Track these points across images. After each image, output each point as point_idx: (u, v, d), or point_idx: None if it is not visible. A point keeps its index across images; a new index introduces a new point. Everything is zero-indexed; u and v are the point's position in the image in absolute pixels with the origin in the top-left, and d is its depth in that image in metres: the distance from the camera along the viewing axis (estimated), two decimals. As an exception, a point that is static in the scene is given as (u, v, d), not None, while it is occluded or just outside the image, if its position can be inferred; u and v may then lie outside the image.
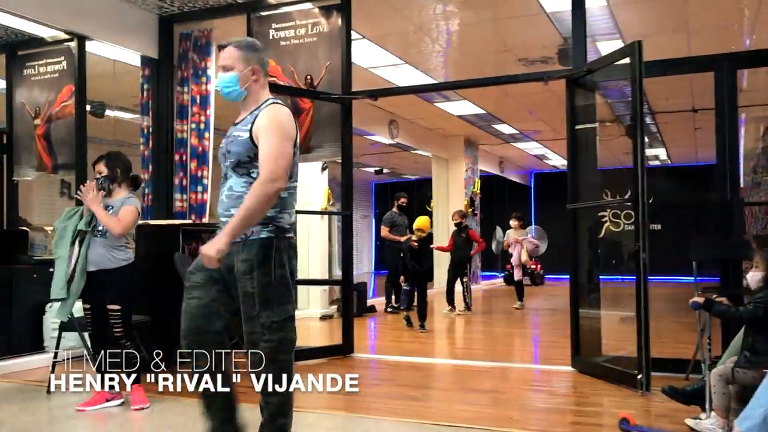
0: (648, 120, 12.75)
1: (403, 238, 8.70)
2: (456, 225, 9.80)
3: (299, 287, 9.39)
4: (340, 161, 6.29)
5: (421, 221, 8.50)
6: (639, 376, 4.40)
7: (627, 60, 4.65)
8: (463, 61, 8.71)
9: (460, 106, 11.45)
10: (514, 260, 11.24)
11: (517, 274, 11.08)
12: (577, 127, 5.44)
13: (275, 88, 6.22)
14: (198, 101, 7.00)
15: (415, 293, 8.30)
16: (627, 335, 7.13)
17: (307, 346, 6.27)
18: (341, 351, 6.07)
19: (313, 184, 9.31)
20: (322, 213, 9.13)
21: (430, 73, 9.20)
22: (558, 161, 18.35)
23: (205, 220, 6.93)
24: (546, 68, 8.70)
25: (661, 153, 16.70)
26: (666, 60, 5.21)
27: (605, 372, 4.92)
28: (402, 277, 8.64)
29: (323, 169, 9.35)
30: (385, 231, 9.45)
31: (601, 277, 5.72)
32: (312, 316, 9.16)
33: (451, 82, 9.20)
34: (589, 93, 5.46)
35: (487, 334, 7.93)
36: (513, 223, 11.68)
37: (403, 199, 10.02)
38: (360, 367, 5.69)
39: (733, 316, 3.21)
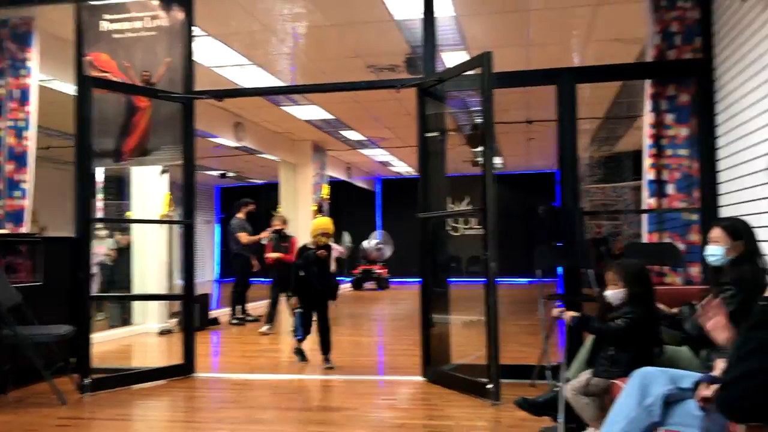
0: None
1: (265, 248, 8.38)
2: (275, 232, 8.50)
3: (135, 302, 8.78)
4: (181, 165, 5.86)
5: (323, 223, 6.44)
6: (489, 386, 4.42)
7: (477, 70, 4.68)
8: (311, 64, 8.52)
9: (308, 111, 11.25)
10: None
11: None
12: (427, 135, 5.42)
13: (108, 85, 5.70)
14: (16, 96, 6.25)
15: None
16: (474, 339, 7.34)
17: (143, 367, 5.77)
18: (181, 371, 5.63)
19: (152, 188, 8.70)
20: (160, 222, 8.54)
21: (277, 76, 8.91)
22: (402, 168, 18.70)
23: (24, 229, 6.19)
24: (394, 76, 8.73)
25: (497, 161, 17.48)
26: (513, 72, 5.32)
27: (456, 382, 4.92)
28: (293, 300, 6.26)
29: (163, 172, 8.76)
30: (246, 237, 9.16)
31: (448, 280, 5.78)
32: (150, 331, 8.54)
33: (303, 85, 8.93)
34: (438, 102, 5.45)
35: (335, 344, 7.75)
36: None
37: (251, 206, 9.69)
38: (202, 389, 5.31)
39: (606, 332, 3.25)
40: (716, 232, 3.26)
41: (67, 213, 11.90)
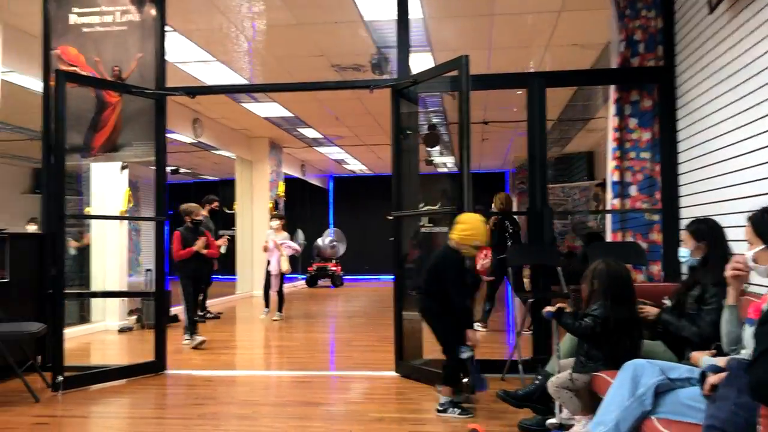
0: (443, 130, 13.50)
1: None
2: (193, 223, 7.51)
3: (93, 300, 8.64)
4: (151, 161, 5.84)
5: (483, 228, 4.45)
6: (465, 380, 4.56)
7: (454, 72, 4.82)
8: (274, 62, 8.53)
9: (268, 108, 11.23)
10: (272, 269, 9.41)
11: (275, 285, 9.45)
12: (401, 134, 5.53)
13: (83, 80, 5.62)
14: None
15: None
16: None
17: (114, 365, 5.72)
18: (153, 368, 5.61)
19: (111, 184, 8.57)
20: (131, 219, 8.43)
21: (240, 73, 8.88)
22: (356, 166, 18.80)
23: (-13, 225, 6.05)
24: (358, 76, 8.82)
25: (450, 161, 17.74)
26: (487, 75, 5.49)
27: (430, 376, 5.04)
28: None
29: (123, 168, 8.64)
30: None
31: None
32: (109, 328, 8.42)
33: (274, 84, 8.75)
34: (412, 103, 5.57)
35: (302, 340, 7.82)
36: (273, 224, 9.81)
37: (216, 203, 9.65)
38: (177, 385, 5.30)
39: (575, 329, 3.41)
40: (683, 235, 3.50)
41: (15, 208, 11.61)
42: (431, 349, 5.99)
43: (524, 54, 8.15)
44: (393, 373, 5.44)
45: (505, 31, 7.42)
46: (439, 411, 4.24)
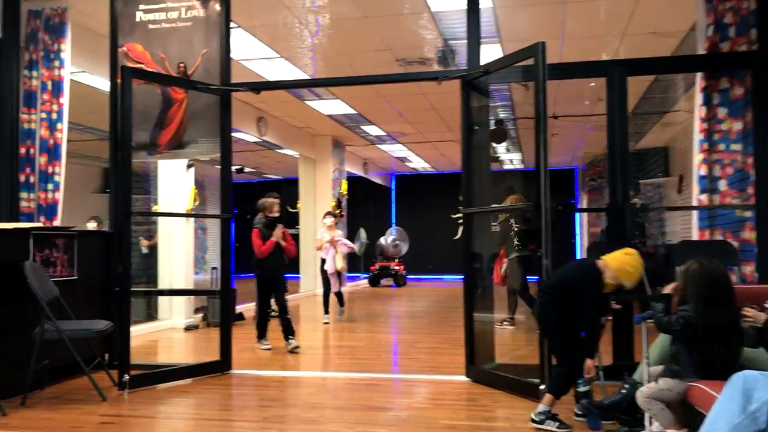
0: (510, 126, 13.14)
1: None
2: (269, 218, 6.98)
3: (160, 297, 8.70)
4: (216, 158, 5.77)
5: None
6: (542, 387, 4.29)
7: (529, 61, 4.55)
8: (338, 57, 8.40)
9: (332, 106, 11.14)
10: (328, 267, 8.97)
11: (335, 285, 9.05)
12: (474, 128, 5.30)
13: (148, 75, 5.59)
14: (49, 88, 6.15)
15: None
16: (515, 338, 7.26)
17: (179, 364, 5.68)
18: (218, 368, 5.54)
19: (178, 182, 8.61)
20: (196, 216, 8.46)
21: (304, 69, 8.80)
22: (419, 164, 18.58)
23: (57, 222, 6.10)
24: (424, 70, 8.60)
25: (517, 157, 17.33)
26: (562, 64, 5.20)
27: (503, 382, 4.80)
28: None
29: (189, 166, 8.67)
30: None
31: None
32: (176, 326, 8.47)
33: (340, 78, 8.54)
34: (482, 95, 5.32)
35: (366, 341, 7.66)
36: (327, 221, 9.16)
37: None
38: (242, 386, 5.21)
39: (661, 321, 3.15)
40: None
41: (86, 207, 11.87)
42: (503, 353, 5.76)
43: (598, 44, 7.77)
44: (463, 378, 5.21)
45: (578, 20, 7.08)
46: (534, 421, 3.86)
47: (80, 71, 7.61)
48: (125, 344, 4.91)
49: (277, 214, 6.98)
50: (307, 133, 13.75)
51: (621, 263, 3.86)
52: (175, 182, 8.60)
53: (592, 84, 9.82)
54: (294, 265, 13.59)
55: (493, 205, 5.90)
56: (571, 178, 19.67)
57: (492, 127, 12.32)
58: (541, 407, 3.87)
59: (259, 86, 6.11)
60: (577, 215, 19.60)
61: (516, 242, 8.04)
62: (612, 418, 3.56)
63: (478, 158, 5.32)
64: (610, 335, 4.95)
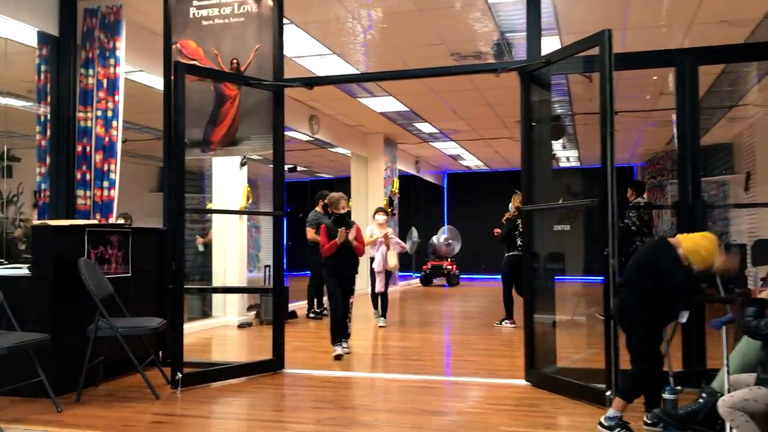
0: (567, 122, 12.78)
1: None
2: (335, 215, 6.61)
3: (214, 295, 8.73)
4: (269, 156, 5.70)
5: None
6: (608, 393, 4.07)
7: (593, 51, 4.32)
8: (391, 53, 8.25)
9: (384, 103, 11.01)
10: (376, 266, 8.25)
11: (380, 284, 8.27)
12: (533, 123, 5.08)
13: (201, 71, 5.56)
14: (105, 86, 6.20)
15: None
16: (576, 340, 6.99)
17: (232, 362, 5.63)
18: (270, 367, 5.46)
19: (231, 180, 8.61)
20: (251, 213, 8.45)
21: (357, 66, 8.69)
22: (472, 162, 18.31)
23: (113, 219, 6.14)
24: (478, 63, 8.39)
25: (573, 154, 16.91)
26: (629, 53, 4.93)
27: (565, 387, 4.58)
28: None
29: (242, 164, 8.66)
30: (311, 234, 8.74)
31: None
32: (229, 324, 8.47)
33: (395, 72, 8.06)
34: (544, 87, 5.10)
35: (419, 341, 7.50)
36: (379, 218, 8.41)
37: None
38: (294, 386, 5.11)
39: (749, 326, 2.92)
40: None
41: (142, 206, 12.03)
42: (564, 355, 5.52)
43: (664, 34, 7.43)
44: (522, 382, 5.00)
45: (642, 10, 6.77)
46: (603, 426, 3.61)
47: (136, 70, 7.66)
48: (178, 342, 4.86)
49: (343, 211, 6.49)
50: (359, 131, 13.67)
51: (695, 244, 3.62)
52: (228, 180, 8.60)
53: (654, 78, 9.46)
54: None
55: (560, 202, 5.62)
56: (629, 175, 19.09)
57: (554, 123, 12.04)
58: (612, 412, 3.63)
59: (312, 81, 6.02)
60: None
61: (519, 242, 7.88)
62: (687, 429, 3.32)
63: (538, 154, 5.11)
64: (680, 339, 4.68)
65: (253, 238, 16.07)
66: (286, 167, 18.92)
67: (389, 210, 13.62)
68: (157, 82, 7.37)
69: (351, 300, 6.65)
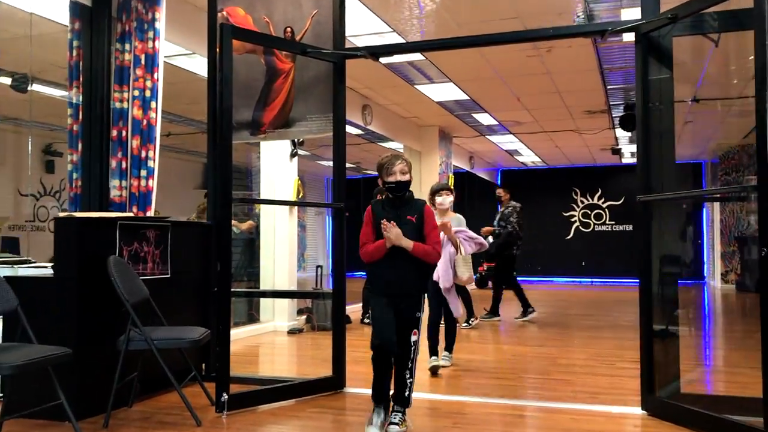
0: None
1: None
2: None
3: (262, 299, 8.00)
4: (328, 137, 4.92)
5: None
6: (771, 434, 3.15)
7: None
8: (457, 28, 7.38)
9: (443, 90, 10.16)
10: (442, 278, 5.43)
11: (454, 308, 5.57)
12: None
13: (250, 35, 4.80)
14: (143, 62, 5.48)
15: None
16: (692, 355, 6.05)
17: (284, 379, 4.86)
18: (330, 385, 4.66)
19: (280, 174, 7.87)
20: (308, 205, 7.69)
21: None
22: (529, 158, 17.33)
23: (151, 213, 5.42)
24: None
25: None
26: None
27: (702, 421, 3.65)
28: None
29: (293, 155, 7.92)
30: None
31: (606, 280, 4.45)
32: (278, 329, 7.73)
33: (479, 36, 6.14)
34: (663, 54, 4.18)
35: (493, 354, 6.62)
36: (443, 200, 5.63)
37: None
38: (359, 410, 4.25)
39: None
40: None
41: (187, 203, 11.42)
42: (686, 377, 4.60)
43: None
44: (637, 410, 4.10)
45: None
46: None
47: (178, 54, 7.00)
48: (224, 358, 4.09)
49: (403, 178, 4.10)
50: (414, 124, 12.84)
51: None
52: (277, 174, 7.86)
53: (751, 58, 8.44)
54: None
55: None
56: (697, 173, 17.88)
57: (622, 113, 11.03)
58: None
59: (379, 50, 5.19)
60: (704, 213, 17.79)
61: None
62: None
63: (657, 134, 4.19)
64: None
65: (299, 237, 15.38)
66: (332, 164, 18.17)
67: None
68: (200, 66, 6.62)
69: (414, 337, 3.83)
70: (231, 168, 4.22)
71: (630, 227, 18.16)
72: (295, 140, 7.80)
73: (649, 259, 4.11)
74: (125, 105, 5.49)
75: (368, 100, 10.59)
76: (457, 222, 5.58)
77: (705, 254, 17.73)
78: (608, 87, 9.82)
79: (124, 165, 5.46)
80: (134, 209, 5.38)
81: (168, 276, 4.67)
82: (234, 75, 4.28)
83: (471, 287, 13.84)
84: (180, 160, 14.23)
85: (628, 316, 9.81)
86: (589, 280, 18.32)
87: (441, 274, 5.38)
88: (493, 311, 9.51)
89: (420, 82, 9.72)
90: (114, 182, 5.46)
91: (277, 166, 7.85)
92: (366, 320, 8.53)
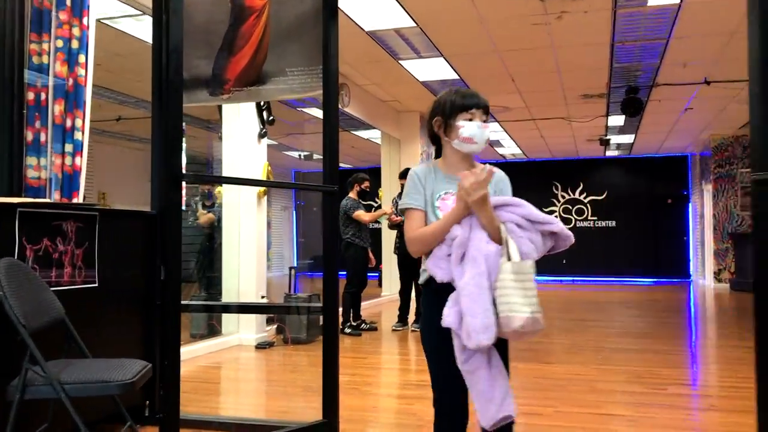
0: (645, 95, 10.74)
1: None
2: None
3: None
4: (316, 95, 3.69)
5: None
6: None
7: None
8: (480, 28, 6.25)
9: (430, 67, 9.00)
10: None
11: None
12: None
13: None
14: (68, 3, 4.18)
15: None
16: None
17: (260, 422, 3.63)
18: None
19: (246, 159, 6.61)
20: (298, 186, 6.48)
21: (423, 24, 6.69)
22: (510, 149, 16.31)
23: (78, 199, 4.13)
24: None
25: (625, 140, 14.88)
26: None
27: None
28: None
29: (261, 135, 6.66)
30: (367, 215, 7.47)
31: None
32: (244, 343, 6.48)
33: None
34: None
35: (525, 375, 5.46)
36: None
37: (366, 183, 7.64)
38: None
39: None
40: None
41: (142, 197, 10.09)
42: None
43: None
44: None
45: None
46: None
47: (123, 15, 5.75)
48: (172, 402, 2.84)
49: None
50: (393, 109, 11.66)
51: None
52: (243, 159, 6.58)
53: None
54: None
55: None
56: (682, 167, 17.13)
57: (623, 96, 10.04)
58: None
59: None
60: (690, 209, 17.01)
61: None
62: None
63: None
64: None
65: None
66: (300, 154, 16.91)
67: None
68: (147, 31, 5.37)
69: None
70: (181, 134, 2.98)
71: (613, 223, 17.31)
72: (265, 116, 6.55)
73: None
74: (44, 60, 4.18)
75: (346, 79, 9.38)
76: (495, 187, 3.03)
77: (691, 251, 16.96)
78: (614, 65, 8.78)
79: (43, 138, 4.15)
80: (56, 195, 4.09)
81: (95, 285, 3.39)
82: (189, 17, 3.05)
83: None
84: (135, 150, 12.84)
85: (628, 319, 8.82)
86: (571, 278, 17.44)
87: (466, 310, 2.13)
88: None
89: (406, 56, 8.54)
90: (30, 160, 4.15)
91: (242, 149, 6.58)
92: (347, 330, 7.33)
